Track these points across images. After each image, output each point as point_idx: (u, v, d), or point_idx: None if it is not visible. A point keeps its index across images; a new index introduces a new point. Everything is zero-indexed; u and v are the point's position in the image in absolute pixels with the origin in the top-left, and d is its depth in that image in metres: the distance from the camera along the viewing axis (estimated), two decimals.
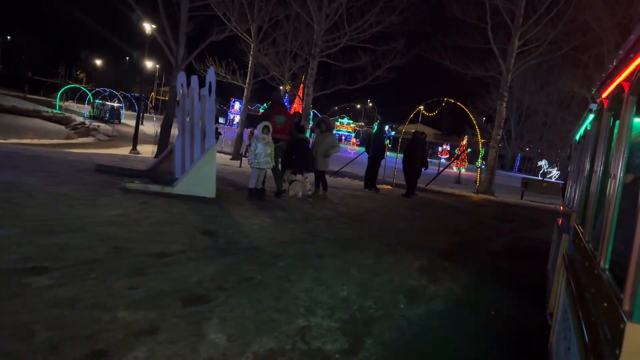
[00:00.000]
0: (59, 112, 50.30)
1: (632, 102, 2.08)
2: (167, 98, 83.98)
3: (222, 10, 20.37)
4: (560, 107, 40.56)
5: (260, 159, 8.43)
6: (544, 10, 19.46)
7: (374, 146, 14.53)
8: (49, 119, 47.17)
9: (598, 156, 2.99)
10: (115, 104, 50.02)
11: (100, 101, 52.10)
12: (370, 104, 76.72)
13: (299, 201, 9.52)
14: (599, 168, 2.86)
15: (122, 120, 46.13)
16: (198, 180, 7.70)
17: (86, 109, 51.31)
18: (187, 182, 7.64)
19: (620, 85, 2.39)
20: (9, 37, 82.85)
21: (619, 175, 2.11)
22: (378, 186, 15.19)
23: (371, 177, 14.55)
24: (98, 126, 40.44)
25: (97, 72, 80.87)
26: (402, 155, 15.15)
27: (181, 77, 8.87)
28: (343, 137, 64.89)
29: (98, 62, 78.81)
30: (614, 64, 2.75)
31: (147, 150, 21.80)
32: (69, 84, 62.02)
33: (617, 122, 2.50)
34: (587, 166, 3.59)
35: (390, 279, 5.04)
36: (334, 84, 22.63)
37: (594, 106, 3.78)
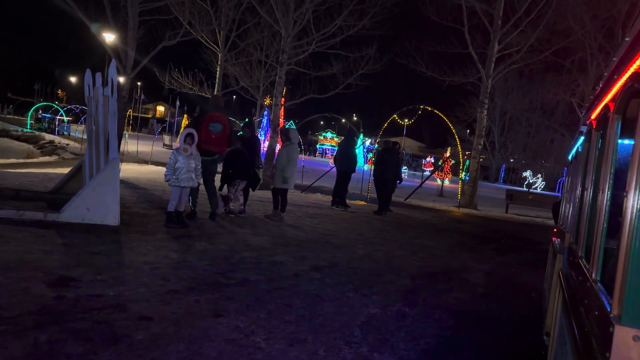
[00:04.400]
0: (29, 130, 48.54)
1: (616, 120, 2.20)
2: (149, 115, 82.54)
3: (182, 14, 18.86)
4: (545, 114, 39.59)
5: (181, 175, 6.81)
6: (523, 12, 18.34)
7: (342, 159, 13.02)
8: (17, 137, 45.41)
9: (589, 176, 3.10)
10: (65, 118, 48.53)
11: (50, 115, 50.57)
12: (355, 118, 75.73)
13: (238, 225, 7.88)
14: (590, 187, 2.95)
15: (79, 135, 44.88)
16: (94, 204, 6.04)
17: (33, 123, 49.72)
18: (78, 206, 5.97)
19: (606, 106, 2.53)
20: None
21: (607, 191, 2.21)
22: (350, 202, 13.65)
23: (339, 192, 13.01)
24: (67, 144, 38.66)
25: (72, 89, 79.13)
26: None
27: (87, 76, 7.25)
28: (326, 152, 63.66)
29: (73, 78, 76.95)
30: (601, 85, 2.95)
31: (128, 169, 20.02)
32: (41, 102, 60.19)
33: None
34: (579, 186, 3.73)
35: (314, 350, 3.42)
36: (304, 93, 21.12)
37: (584, 128, 3.92)
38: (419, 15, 19.71)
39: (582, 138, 4.31)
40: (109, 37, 17.05)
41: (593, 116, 3.18)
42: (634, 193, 1.63)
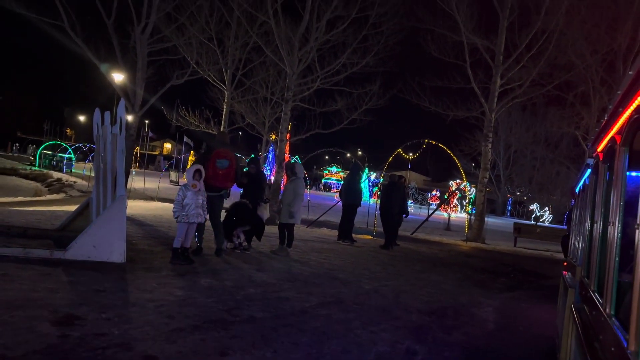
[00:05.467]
0: (37, 169, 49.09)
1: (624, 152, 2.21)
2: (157, 152, 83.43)
3: (189, 54, 19.32)
4: (549, 147, 39.62)
5: (190, 211, 6.83)
6: (524, 48, 18.65)
7: (347, 193, 13.02)
8: (26, 176, 45.88)
9: (598, 209, 3.07)
10: (67, 156, 49.10)
11: (51, 152, 51.22)
12: (360, 152, 76.06)
13: (243, 261, 7.84)
14: (600, 220, 2.91)
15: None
16: (100, 241, 6.05)
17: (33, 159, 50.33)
18: (85, 243, 5.97)
19: (612, 139, 2.55)
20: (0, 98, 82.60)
21: (617, 224, 2.20)
22: (356, 236, 13.56)
23: (345, 227, 12.96)
24: (74, 182, 38.96)
25: (81, 128, 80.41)
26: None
27: (96, 115, 7.38)
28: (332, 186, 63.77)
29: (81, 117, 78.34)
30: (606, 118, 2.98)
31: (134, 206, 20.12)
32: (50, 140, 61.12)
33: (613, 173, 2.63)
34: (588, 219, 3.71)
35: None
36: (309, 129, 21.35)
37: (590, 161, 3.94)
38: (421, 52, 20.08)
39: (588, 171, 4.30)
40: (118, 77, 17.45)
41: (599, 149, 3.19)
42: None
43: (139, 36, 15.25)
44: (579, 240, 4.50)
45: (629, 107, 2.05)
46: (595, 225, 3.17)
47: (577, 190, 5.69)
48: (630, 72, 1.98)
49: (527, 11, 18.76)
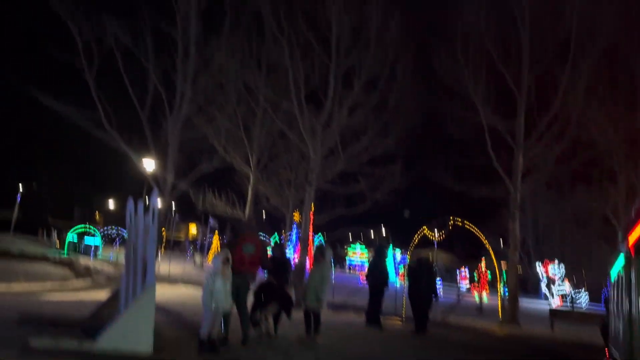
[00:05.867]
0: (66, 255, 49.85)
1: None
2: (182, 235, 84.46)
3: (218, 142, 20.17)
4: (579, 224, 38.68)
5: (220, 297, 6.82)
6: (544, 127, 18.81)
7: (373, 274, 12.84)
8: (55, 262, 46.56)
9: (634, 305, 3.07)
10: (93, 242, 49.81)
11: (76, 239, 52.08)
12: (384, 230, 75.25)
13: (271, 351, 7.63)
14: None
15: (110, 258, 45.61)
16: (130, 331, 6.04)
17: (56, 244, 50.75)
18: (115, 333, 5.98)
19: None
20: (34, 184, 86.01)
21: None
22: (387, 320, 13.12)
23: (373, 310, 12.59)
24: (102, 268, 39.32)
25: (110, 214, 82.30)
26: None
27: (129, 204, 7.66)
28: (357, 267, 62.60)
29: (111, 202, 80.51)
30: (633, 214, 3.40)
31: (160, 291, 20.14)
32: (79, 225, 62.37)
33: None
34: (627, 313, 3.69)
35: None
36: (333, 209, 21.52)
37: (623, 247, 3.96)
38: (441, 132, 20.51)
39: (621, 256, 4.21)
40: (149, 164, 18.23)
41: (631, 242, 3.18)
42: None
43: (171, 127, 16.09)
44: (620, 332, 4.33)
45: None
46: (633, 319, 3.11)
47: (612, 276, 5.57)
48: None
49: (545, 91, 19.16)
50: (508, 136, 19.11)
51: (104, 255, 46.58)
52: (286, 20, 17.75)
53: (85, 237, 52.83)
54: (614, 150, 19.63)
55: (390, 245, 46.27)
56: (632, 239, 3.08)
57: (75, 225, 63.54)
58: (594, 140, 19.32)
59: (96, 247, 47.98)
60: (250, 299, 8.35)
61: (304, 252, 18.12)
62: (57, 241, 50.68)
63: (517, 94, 18.93)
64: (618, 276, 4.63)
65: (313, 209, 22.41)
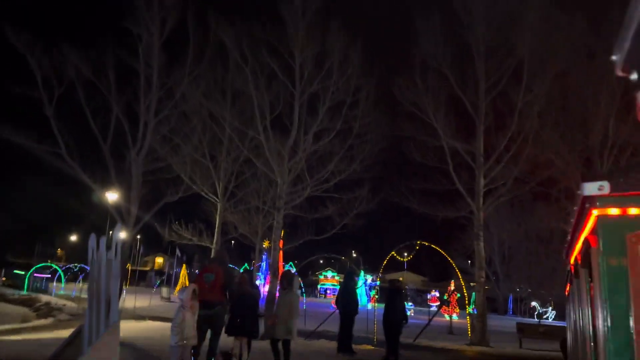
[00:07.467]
0: (26, 293, 47.85)
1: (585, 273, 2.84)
2: (149, 268, 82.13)
3: (183, 172, 19.98)
4: (542, 242, 39.75)
5: (189, 333, 6.71)
6: (503, 149, 19.53)
7: (344, 300, 12.82)
8: (14, 301, 44.59)
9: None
10: (45, 275, 47.94)
11: (22, 272, 50.13)
12: (354, 255, 75.33)
13: None
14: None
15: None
16: None
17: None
18: None
19: (575, 259, 3.09)
20: None
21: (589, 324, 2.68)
22: (357, 347, 13.08)
23: (345, 337, 12.54)
24: (63, 305, 37.81)
25: (72, 249, 79.44)
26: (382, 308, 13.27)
27: (91, 240, 7.48)
28: (328, 291, 62.24)
29: (73, 238, 77.94)
30: (569, 236, 3.46)
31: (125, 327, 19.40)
32: (41, 262, 60.11)
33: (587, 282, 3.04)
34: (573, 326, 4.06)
35: None
36: (302, 235, 21.48)
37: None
38: (405, 157, 20.97)
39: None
40: (112, 197, 17.86)
41: (572, 261, 3.36)
42: None
43: (135, 158, 15.89)
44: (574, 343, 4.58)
45: (577, 242, 2.30)
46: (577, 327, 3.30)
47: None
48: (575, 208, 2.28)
49: (501, 115, 19.96)
50: (469, 158, 19.75)
51: (67, 290, 44.77)
52: (249, 49, 17.99)
53: (48, 273, 50.74)
54: (570, 170, 20.40)
55: (362, 270, 46.34)
56: (572, 259, 3.31)
57: (36, 262, 61.01)
58: (551, 160, 20.08)
59: (46, 282, 45.31)
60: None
61: (274, 280, 17.96)
62: (5, 279, 48.40)
63: (475, 117, 19.65)
64: (569, 292, 4.64)
65: (282, 235, 22.32)
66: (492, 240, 47.02)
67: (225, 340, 8.39)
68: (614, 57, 2.87)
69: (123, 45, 17.52)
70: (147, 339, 12.35)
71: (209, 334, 8.03)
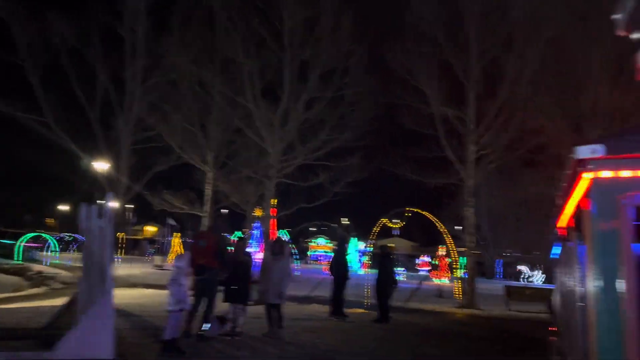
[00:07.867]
0: (18, 262, 47.91)
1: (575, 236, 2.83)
2: (141, 237, 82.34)
3: (173, 141, 19.80)
4: (530, 208, 40.24)
5: (184, 297, 6.83)
6: (493, 116, 19.47)
7: (337, 266, 13.00)
8: (6, 270, 44.70)
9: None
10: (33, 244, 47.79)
11: (12, 241, 49.96)
12: (347, 221, 75.76)
13: (236, 348, 7.66)
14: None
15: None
16: (89, 339, 5.90)
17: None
18: (73, 342, 5.83)
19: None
20: None
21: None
22: (349, 310, 13.33)
23: (336, 301, 12.77)
24: (56, 274, 37.90)
25: (65, 218, 79.10)
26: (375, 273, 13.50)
27: (83, 209, 7.45)
28: (320, 257, 62.96)
29: (65, 207, 77.45)
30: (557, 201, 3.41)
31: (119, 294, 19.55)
32: (31, 232, 59.92)
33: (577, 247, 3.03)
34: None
35: None
36: (294, 203, 21.60)
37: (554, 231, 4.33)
38: (397, 124, 20.89)
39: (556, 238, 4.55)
40: (102, 166, 17.68)
41: (563, 224, 3.42)
42: None
43: (123, 127, 15.69)
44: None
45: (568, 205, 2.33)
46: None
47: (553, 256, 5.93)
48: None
49: (493, 81, 19.81)
50: (459, 125, 19.71)
51: (61, 260, 44.82)
52: (238, 14, 17.57)
53: (39, 242, 50.60)
54: (560, 136, 20.45)
55: (353, 237, 46.80)
56: (562, 223, 3.39)
57: (26, 232, 60.87)
58: (542, 126, 20.08)
59: (32, 251, 45.13)
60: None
61: (267, 248, 18.12)
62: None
63: (467, 83, 19.50)
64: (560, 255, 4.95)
65: (275, 203, 22.42)
66: (481, 207, 47.49)
67: (221, 306, 8.51)
68: (616, 16, 2.83)
69: (109, 12, 17.05)
70: (141, 306, 12.49)
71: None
